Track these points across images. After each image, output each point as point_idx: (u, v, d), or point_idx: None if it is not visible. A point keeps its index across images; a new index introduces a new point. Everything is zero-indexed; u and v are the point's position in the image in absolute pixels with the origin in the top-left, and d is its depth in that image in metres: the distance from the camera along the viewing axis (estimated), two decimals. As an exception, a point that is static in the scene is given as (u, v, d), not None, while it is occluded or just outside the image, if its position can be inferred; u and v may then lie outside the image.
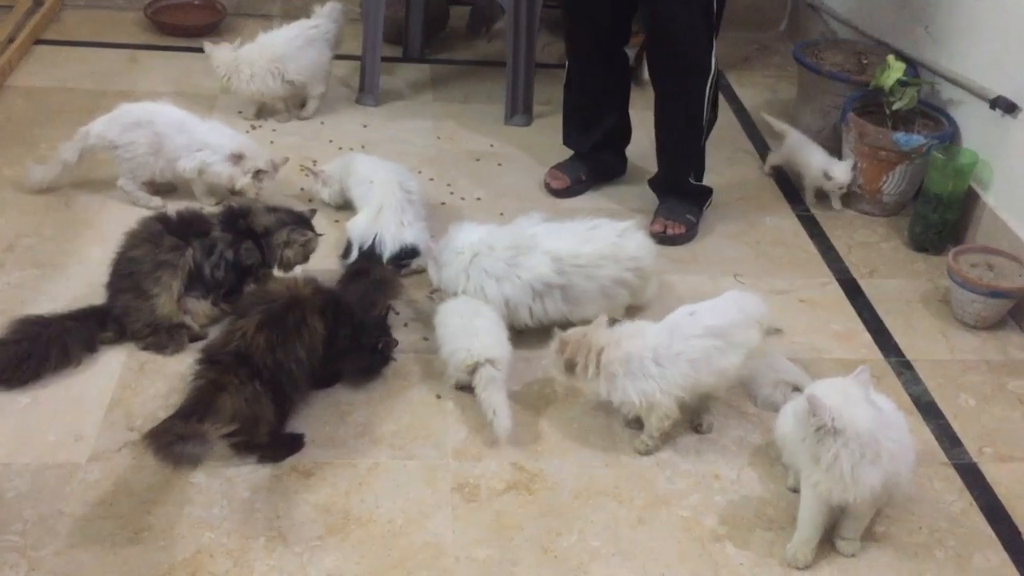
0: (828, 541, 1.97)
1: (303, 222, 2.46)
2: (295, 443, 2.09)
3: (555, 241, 2.42)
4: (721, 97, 3.79)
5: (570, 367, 2.08)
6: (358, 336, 2.19)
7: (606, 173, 3.20)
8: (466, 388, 2.24)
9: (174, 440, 1.81)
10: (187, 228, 2.32)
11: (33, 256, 2.61)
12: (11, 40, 3.58)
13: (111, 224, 2.69)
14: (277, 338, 2.02)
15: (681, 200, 3.00)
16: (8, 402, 2.12)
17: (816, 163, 3.13)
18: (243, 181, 2.78)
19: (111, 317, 2.29)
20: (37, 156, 2.96)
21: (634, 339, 2.09)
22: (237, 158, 2.77)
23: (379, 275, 2.44)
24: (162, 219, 2.34)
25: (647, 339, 2.09)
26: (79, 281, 2.50)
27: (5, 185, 2.88)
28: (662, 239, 2.89)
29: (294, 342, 2.04)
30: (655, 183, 3.08)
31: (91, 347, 2.27)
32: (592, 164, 3.17)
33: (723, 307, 2.16)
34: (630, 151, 3.22)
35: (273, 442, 2.05)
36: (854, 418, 1.76)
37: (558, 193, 3.11)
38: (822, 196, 3.17)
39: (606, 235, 2.46)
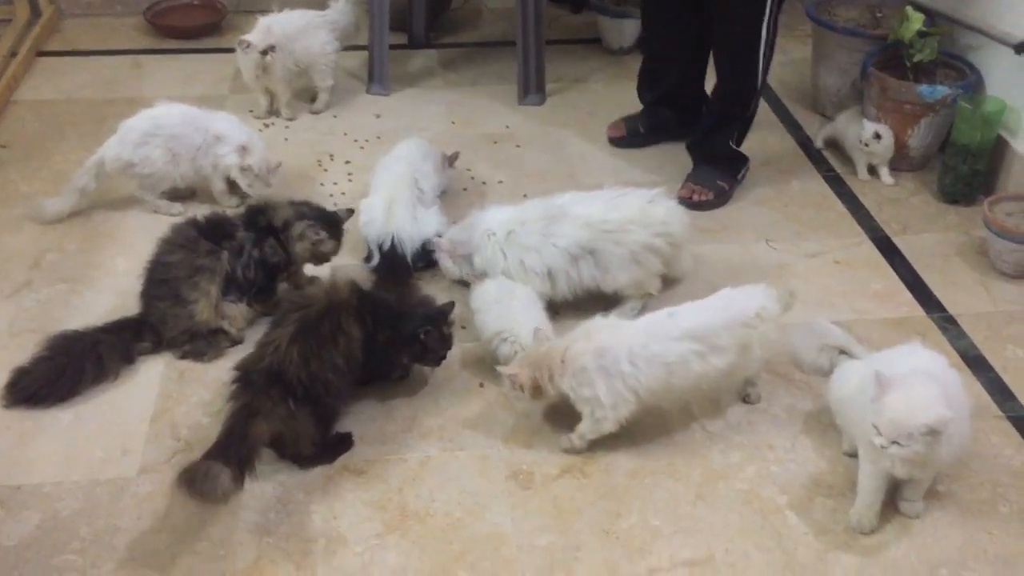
0: (892, 503, 1.94)
1: (326, 220, 2.41)
2: (344, 443, 2.07)
3: (584, 207, 2.41)
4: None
5: (535, 388, 2.00)
6: (398, 329, 2.11)
7: (665, 130, 3.20)
8: None
9: (203, 478, 1.76)
10: (217, 231, 2.30)
11: (59, 271, 2.59)
12: (13, 54, 3.55)
13: (134, 234, 2.67)
14: (311, 349, 1.95)
15: (715, 166, 2.97)
16: (52, 421, 2.10)
17: (855, 132, 3.05)
18: (234, 172, 2.75)
19: (147, 326, 2.27)
20: (53, 171, 2.93)
21: (608, 333, 2.02)
22: (244, 149, 2.73)
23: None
24: (195, 223, 2.31)
25: (622, 336, 2.01)
26: (109, 293, 2.48)
27: (24, 201, 2.85)
28: (689, 205, 2.86)
29: (330, 351, 1.97)
30: (693, 144, 3.05)
31: (128, 359, 2.25)
32: (652, 119, 3.21)
33: (708, 308, 2.06)
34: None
35: (320, 450, 2.02)
36: (935, 413, 1.71)
37: (613, 142, 3.21)
38: (872, 171, 3.08)
39: (634, 201, 2.43)
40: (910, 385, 1.76)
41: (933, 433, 1.71)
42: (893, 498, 1.94)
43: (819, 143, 3.24)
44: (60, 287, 2.53)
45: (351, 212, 2.52)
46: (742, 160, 3.01)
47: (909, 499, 1.93)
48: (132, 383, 2.22)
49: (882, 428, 1.74)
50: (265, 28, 3.17)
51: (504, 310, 2.26)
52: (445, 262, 2.50)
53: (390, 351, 2.11)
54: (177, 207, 2.82)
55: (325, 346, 1.97)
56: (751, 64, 2.79)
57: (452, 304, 2.19)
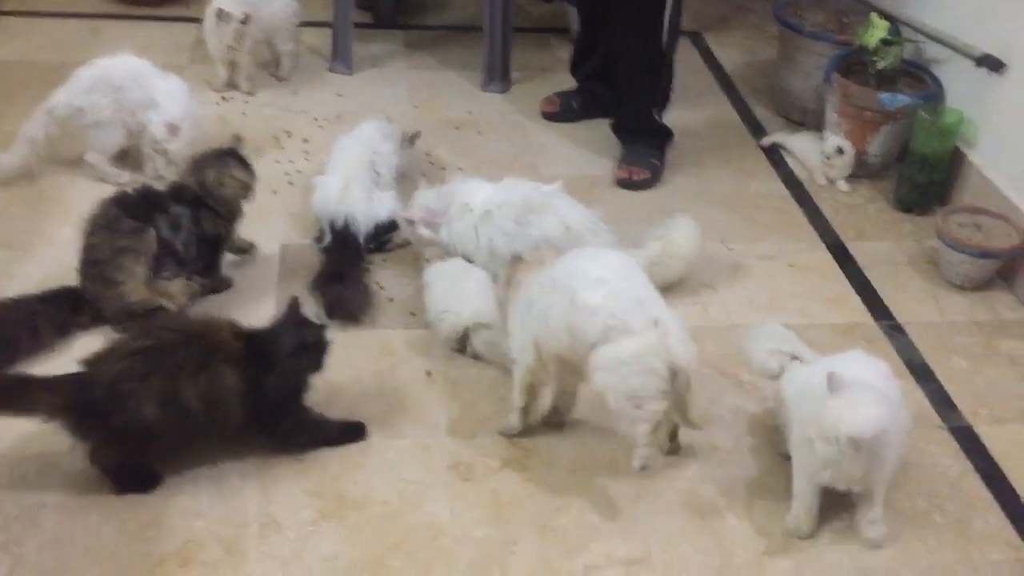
0: (832, 511, 1.94)
1: (228, 155, 2.33)
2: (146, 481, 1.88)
3: (570, 210, 2.39)
4: (700, 59, 3.77)
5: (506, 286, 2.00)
6: (281, 355, 1.88)
7: (598, 106, 3.20)
8: (460, 351, 2.23)
9: None
10: (148, 206, 2.21)
11: (1, 237, 2.52)
12: (-34, 11, 3.44)
13: (81, 202, 2.58)
14: (143, 372, 1.75)
15: (644, 143, 2.99)
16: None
17: (817, 148, 3.07)
18: (154, 146, 2.68)
19: (85, 301, 2.20)
20: (2, 133, 2.84)
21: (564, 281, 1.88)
22: (173, 128, 2.66)
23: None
24: (119, 201, 2.20)
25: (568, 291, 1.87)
26: (50, 262, 2.41)
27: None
28: (627, 185, 2.93)
29: (177, 384, 1.76)
30: (618, 124, 3.06)
31: (65, 331, 2.18)
32: (585, 95, 3.23)
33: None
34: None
35: (121, 474, 1.87)
36: (864, 428, 1.72)
37: (547, 116, 3.22)
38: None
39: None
40: (857, 395, 1.76)
41: (854, 445, 1.72)
42: (831, 508, 1.94)
43: (767, 142, 3.24)
44: (1, 253, 2.46)
45: (239, 139, 2.42)
46: (667, 134, 3.03)
47: (868, 519, 1.89)
48: (68, 356, 2.15)
49: (814, 422, 1.76)
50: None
51: (455, 288, 2.25)
52: (420, 231, 2.44)
53: (288, 383, 1.90)
54: (125, 175, 2.76)
55: (170, 376, 1.76)
56: (655, 26, 2.81)
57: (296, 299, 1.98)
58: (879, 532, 1.90)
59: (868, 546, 1.90)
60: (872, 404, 1.75)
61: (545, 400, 2.05)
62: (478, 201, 2.39)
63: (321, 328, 1.95)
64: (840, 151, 2.99)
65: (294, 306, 1.95)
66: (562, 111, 3.23)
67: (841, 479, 1.80)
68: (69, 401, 1.77)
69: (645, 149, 2.99)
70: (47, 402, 1.78)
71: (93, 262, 2.17)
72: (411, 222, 2.45)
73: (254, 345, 1.87)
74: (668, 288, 2.39)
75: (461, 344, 2.25)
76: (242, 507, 1.87)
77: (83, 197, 2.59)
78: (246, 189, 2.34)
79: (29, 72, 3.23)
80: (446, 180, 2.52)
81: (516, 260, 2.04)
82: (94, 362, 1.80)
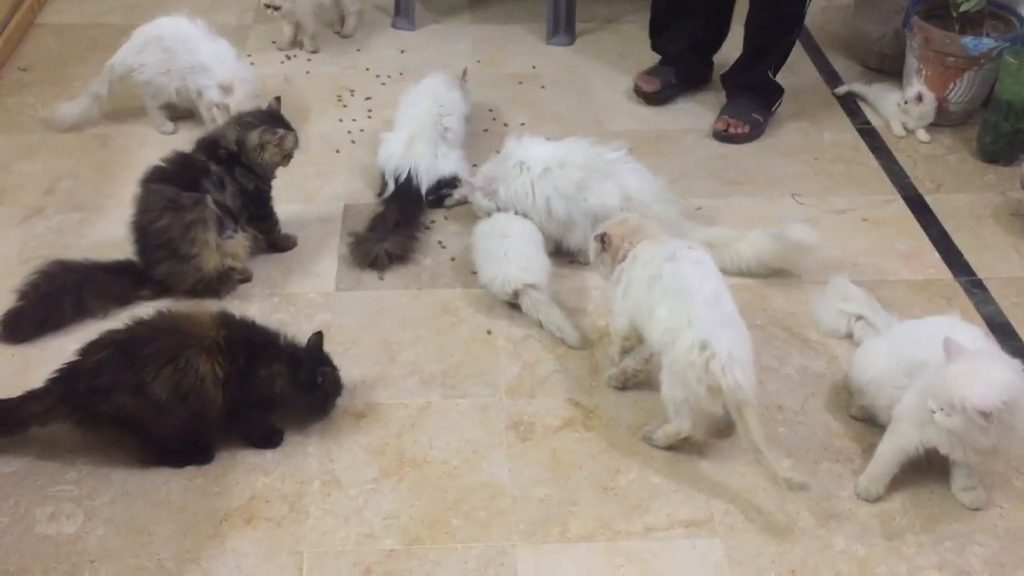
0: (907, 478, 1.87)
1: (273, 118, 2.31)
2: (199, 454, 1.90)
3: (633, 179, 2.33)
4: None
5: (614, 253, 1.98)
6: (293, 375, 1.88)
7: (696, 78, 3.10)
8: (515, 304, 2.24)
9: None
10: (192, 173, 2.21)
11: (73, 199, 2.58)
12: (39, -24, 3.50)
13: (149, 163, 2.63)
14: (119, 364, 1.78)
15: (750, 98, 2.91)
16: (56, 349, 2.08)
17: (895, 98, 2.95)
18: (213, 108, 2.70)
19: (149, 279, 2.23)
20: (71, 96, 2.89)
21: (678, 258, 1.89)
22: (226, 89, 2.68)
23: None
24: (165, 177, 2.20)
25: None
26: (120, 223, 2.44)
27: (40, 127, 2.83)
28: (723, 137, 2.87)
29: (147, 373, 1.76)
30: (730, 75, 2.97)
31: (123, 301, 2.21)
32: (682, 69, 3.07)
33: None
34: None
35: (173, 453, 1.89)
36: (991, 396, 1.61)
37: (649, 97, 3.03)
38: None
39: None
40: (980, 363, 1.68)
41: (983, 416, 1.61)
42: (901, 471, 1.87)
43: (842, 91, 3.12)
44: (73, 215, 2.52)
45: (278, 100, 2.40)
46: (778, 91, 2.94)
47: (965, 487, 1.85)
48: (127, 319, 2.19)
49: (933, 392, 1.68)
50: None
51: (501, 247, 2.24)
52: (480, 200, 2.44)
53: (275, 391, 1.87)
54: (169, 126, 2.82)
55: (141, 367, 1.77)
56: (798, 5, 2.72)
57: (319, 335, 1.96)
58: (979, 498, 1.85)
59: (969, 508, 1.85)
60: (998, 370, 1.66)
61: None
62: (535, 158, 2.36)
63: (333, 372, 1.95)
64: (919, 99, 2.86)
65: (318, 341, 1.94)
66: (663, 89, 3.02)
67: (967, 451, 1.71)
68: (57, 400, 1.81)
69: (750, 104, 2.90)
70: (37, 410, 1.82)
71: (163, 244, 2.18)
72: (471, 187, 2.44)
73: (239, 335, 1.85)
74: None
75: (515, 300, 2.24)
76: (305, 464, 1.90)
77: (151, 159, 2.61)
78: (286, 158, 2.34)
79: (98, 34, 3.28)
80: (507, 136, 2.48)
81: (608, 230, 2.01)
82: (83, 352, 1.84)
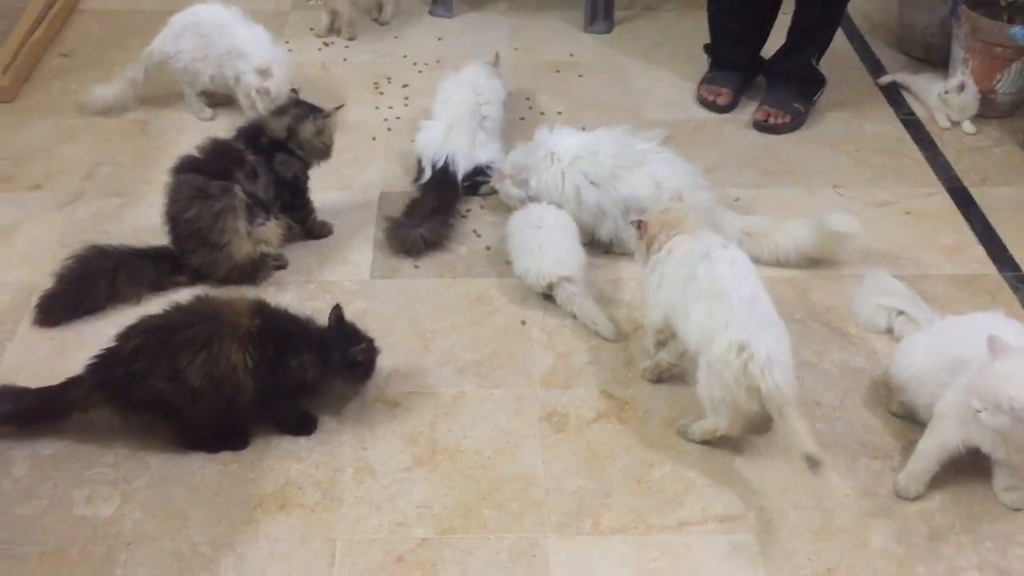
0: (948, 476, 1.84)
1: (310, 106, 2.34)
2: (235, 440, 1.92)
3: (665, 168, 2.31)
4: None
5: (650, 242, 1.96)
6: (324, 361, 1.88)
7: (755, 74, 3.03)
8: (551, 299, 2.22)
9: None
10: (224, 161, 2.22)
11: (112, 184, 2.60)
12: (81, -38, 3.53)
13: (188, 149, 2.64)
14: (153, 349, 1.79)
15: (791, 88, 2.86)
16: (92, 333, 2.10)
17: (939, 87, 2.89)
18: (253, 93, 2.70)
19: (188, 267, 2.24)
20: (111, 81, 2.91)
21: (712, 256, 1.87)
22: (264, 73, 2.69)
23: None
24: (196, 166, 2.21)
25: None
26: (159, 210, 2.46)
27: (80, 112, 2.86)
28: (764, 128, 2.83)
29: (181, 359, 1.77)
30: (772, 63, 2.92)
31: (158, 287, 2.23)
32: (745, 71, 2.99)
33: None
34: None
35: (208, 438, 1.90)
36: None
37: (724, 109, 2.93)
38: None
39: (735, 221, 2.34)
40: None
41: None
42: (941, 470, 1.84)
43: (885, 81, 3.06)
44: (113, 200, 2.54)
45: (295, 91, 2.46)
46: (820, 81, 2.89)
47: (1008, 487, 1.81)
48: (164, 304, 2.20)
49: (977, 391, 1.64)
50: None
51: (535, 238, 2.22)
52: (508, 188, 2.44)
53: (307, 379, 1.87)
54: (207, 112, 2.84)
55: (176, 353, 1.78)
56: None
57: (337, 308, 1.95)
58: (1022, 498, 1.81)
59: (1011, 508, 1.82)
60: None
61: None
62: (565, 148, 2.35)
63: (368, 342, 1.94)
64: (961, 88, 2.79)
65: (338, 316, 1.93)
66: (735, 99, 2.93)
67: (1011, 450, 1.68)
68: (94, 386, 1.83)
69: (791, 93, 2.85)
70: (76, 396, 1.84)
71: (194, 234, 2.19)
72: (500, 175, 2.43)
73: (272, 324, 1.85)
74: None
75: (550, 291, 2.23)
76: (339, 451, 1.91)
77: (191, 146, 2.63)
78: (328, 146, 2.35)
79: (140, 20, 3.30)
80: (542, 125, 2.46)
81: (647, 218, 1.99)
82: (120, 338, 1.85)
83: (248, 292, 2.15)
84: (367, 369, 1.94)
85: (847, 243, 2.31)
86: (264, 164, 2.25)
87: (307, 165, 2.32)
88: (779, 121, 2.82)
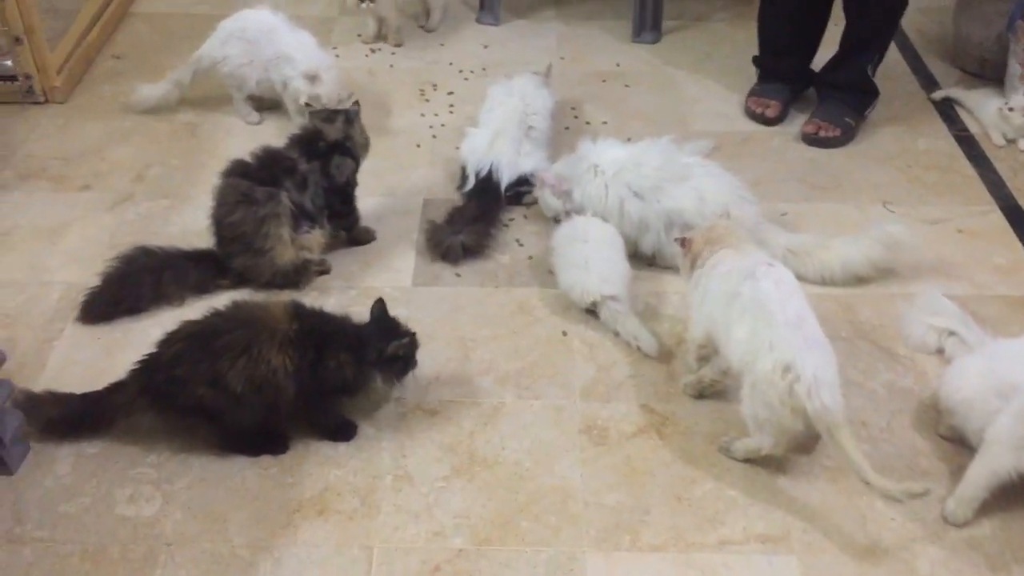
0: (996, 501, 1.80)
1: (336, 109, 2.41)
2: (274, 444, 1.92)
3: (710, 181, 2.29)
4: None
5: (694, 259, 1.96)
6: (361, 358, 1.87)
7: (805, 85, 2.99)
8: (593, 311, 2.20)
9: None
10: (274, 169, 2.23)
11: (161, 186, 2.63)
12: (135, -34, 3.58)
13: (236, 153, 2.65)
14: (194, 354, 1.80)
15: (843, 100, 2.82)
16: (138, 334, 2.13)
17: (996, 104, 2.83)
18: (303, 99, 2.71)
19: (231, 270, 2.26)
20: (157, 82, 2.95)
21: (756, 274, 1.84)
22: (312, 78, 2.70)
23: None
24: (244, 171, 2.23)
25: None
26: (206, 212, 2.47)
27: (130, 114, 2.90)
28: (813, 141, 2.79)
29: (222, 365, 1.78)
30: (822, 76, 2.88)
31: (202, 289, 2.25)
32: (794, 83, 2.95)
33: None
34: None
35: (249, 441, 1.90)
36: None
37: (773, 122, 2.89)
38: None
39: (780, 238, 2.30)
40: None
41: None
42: (999, 499, 1.79)
43: (939, 96, 3.00)
44: (161, 202, 2.57)
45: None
46: (873, 93, 2.84)
47: None
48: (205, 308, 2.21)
49: None
50: None
51: (581, 254, 2.20)
52: (547, 197, 2.43)
53: (346, 378, 1.87)
54: (255, 116, 2.87)
55: (216, 359, 1.78)
56: (900, 11, 2.66)
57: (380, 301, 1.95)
58: None
59: None
60: None
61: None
62: (609, 160, 2.34)
63: (410, 337, 1.93)
64: None
65: (381, 309, 1.93)
66: (784, 111, 2.90)
67: None
68: (137, 392, 1.85)
69: (842, 106, 2.81)
70: (120, 402, 1.86)
71: (237, 238, 2.21)
72: (542, 184, 2.42)
73: (310, 326, 1.85)
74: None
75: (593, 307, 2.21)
76: (377, 458, 1.90)
77: (239, 149, 2.66)
78: (369, 143, 2.40)
79: (190, 23, 3.34)
80: (586, 136, 2.45)
81: (691, 235, 1.98)
82: (161, 344, 1.86)
83: (289, 296, 2.16)
84: (406, 364, 1.93)
85: (901, 255, 2.26)
86: (319, 170, 2.26)
87: (358, 165, 2.34)
88: (829, 134, 2.78)
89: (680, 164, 2.32)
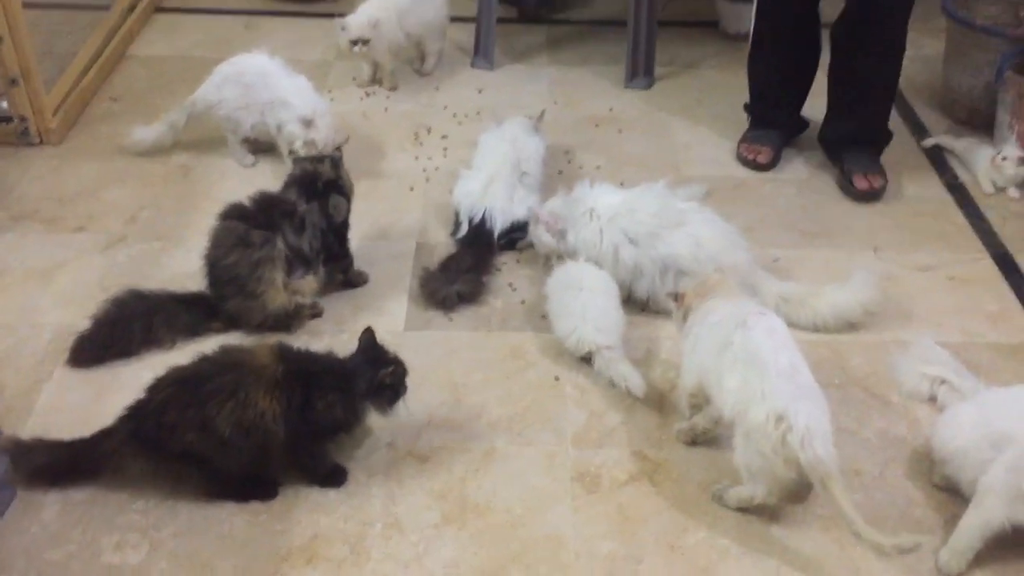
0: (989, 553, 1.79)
1: (320, 155, 2.45)
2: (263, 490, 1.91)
3: (705, 228, 2.30)
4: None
5: (687, 312, 1.96)
6: (349, 396, 1.87)
7: (798, 131, 3.03)
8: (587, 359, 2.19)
9: None
10: (271, 212, 2.23)
11: (154, 228, 2.63)
12: (132, 8, 3.61)
13: (229, 195, 2.66)
14: (183, 401, 1.79)
15: (866, 150, 2.84)
16: (130, 377, 2.11)
17: (986, 153, 2.87)
18: (297, 144, 2.71)
19: (223, 313, 2.25)
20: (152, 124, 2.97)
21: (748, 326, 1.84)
22: (308, 123, 2.71)
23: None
24: (241, 214, 2.23)
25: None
26: (198, 255, 2.48)
27: (125, 156, 2.91)
28: (870, 196, 2.78)
29: (210, 410, 1.77)
30: (847, 131, 2.86)
31: (193, 332, 2.24)
32: (786, 130, 2.99)
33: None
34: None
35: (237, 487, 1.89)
36: None
37: (765, 167, 2.91)
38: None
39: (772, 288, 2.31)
40: None
41: None
42: (993, 549, 1.78)
43: (928, 143, 3.03)
44: (154, 244, 2.57)
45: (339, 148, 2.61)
46: (889, 137, 2.88)
47: None
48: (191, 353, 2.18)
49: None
50: (364, 17, 3.13)
51: (577, 301, 2.20)
52: (541, 234, 2.43)
53: (336, 417, 1.86)
54: (249, 159, 2.88)
55: (204, 404, 1.77)
56: (899, 53, 2.73)
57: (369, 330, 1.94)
58: None
59: None
60: None
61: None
62: (605, 205, 2.35)
63: (398, 365, 1.91)
64: (1022, 161, 2.76)
65: (369, 339, 1.92)
66: (776, 157, 2.93)
67: None
68: (126, 438, 1.83)
69: (870, 155, 2.83)
70: (108, 448, 1.84)
71: (230, 280, 2.20)
72: (536, 221, 2.43)
73: (296, 367, 1.84)
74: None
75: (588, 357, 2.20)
76: (367, 505, 1.89)
77: (232, 192, 2.67)
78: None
79: (187, 67, 3.36)
80: (583, 180, 2.47)
81: (689, 289, 1.99)
82: (149, 390, 1.85)
83: (279, 339, 2.15)
84: (396, 392, 1.91)
85: (887, 301, 2.28)
86: (318, 210, 2.27)
87: (350, 205, 2.35)
88: (880, 185, 2.78)
89: (676, 210, 2.33)
